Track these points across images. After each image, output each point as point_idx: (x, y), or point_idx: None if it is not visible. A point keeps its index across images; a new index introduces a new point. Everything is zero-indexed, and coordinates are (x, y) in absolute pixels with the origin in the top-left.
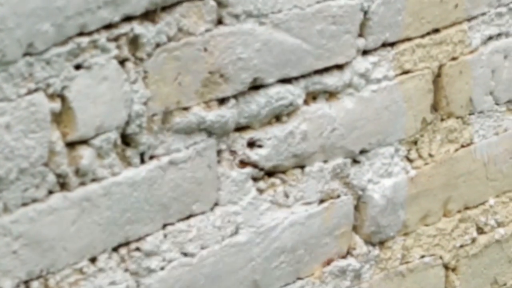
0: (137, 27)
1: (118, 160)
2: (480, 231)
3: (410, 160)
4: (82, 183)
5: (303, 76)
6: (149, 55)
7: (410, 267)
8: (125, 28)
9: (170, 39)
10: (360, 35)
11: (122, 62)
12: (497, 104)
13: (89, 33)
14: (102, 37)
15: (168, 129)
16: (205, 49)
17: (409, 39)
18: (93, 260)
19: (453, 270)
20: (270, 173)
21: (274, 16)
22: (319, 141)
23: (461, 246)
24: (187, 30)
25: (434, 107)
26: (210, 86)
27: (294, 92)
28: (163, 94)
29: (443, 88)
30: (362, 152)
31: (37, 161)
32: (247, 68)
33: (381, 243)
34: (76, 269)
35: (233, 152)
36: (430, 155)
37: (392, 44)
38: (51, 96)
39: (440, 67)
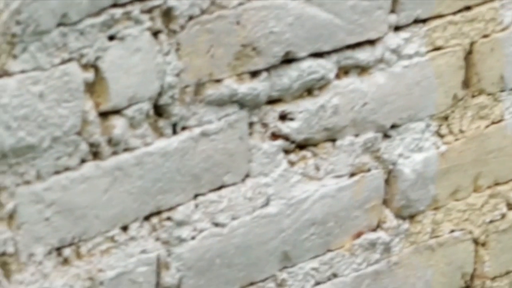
0: (170, 0)
1: (151, 130)
2: (510, 207)
3: (441, 136)
4: (115, 153)
5: (335, 51)
6: (182, 27)
7: (440, 241)
8: (158, 0)
9: (203, 12)
10: (392, 11)
11: (155, 34)
12: None
13: (123, 5)
14: (135, 9)
15: (200, 100)
16: (238, 23)
17: (441, 16)
18: (124, 228)
19: (483, 245)
20: (301, 146)
21: None
22: (350, 115)
23: (491, 222)
24: (220, 3)
25: (465, 84)
26: (242, 59)
27: (326, 67)
28: (196, 66)
29: (474, 65)
30: (393, 126)
31: (70, 130)
32: (279, 42)
33: (411, 217)
34: (107, 237)
35: (264, 125)
36: (461, 131)
37: (424, 21)
38: (85, 66)
39: (472, 44)
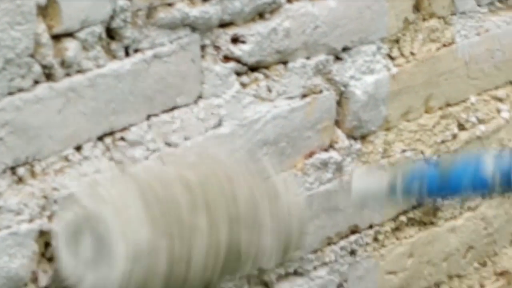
0: None
1: (103, 53)
2: (461, 127)
3: (392, 58)
4: (68, 74)
5: None
6: None
7: (391, 161)
8: None
9: None
10: None
11: None
12: (479, 5)
13: None
14: None
15: (152, 24)
16: None
17: None
18: (78, 148)
19: None
20: (254, 68)
21: None
22: (301, 38)
23: (442, 142)
24: None
25: (416, 7)
26: None
27: None
28: None
29: None
30: (345, 49)
31: (23, 52)
32: None
33: (363, 138)
34: (61, 157)
35: (216, 48)
36: (412, 54)
37: None
38: None
39: None
